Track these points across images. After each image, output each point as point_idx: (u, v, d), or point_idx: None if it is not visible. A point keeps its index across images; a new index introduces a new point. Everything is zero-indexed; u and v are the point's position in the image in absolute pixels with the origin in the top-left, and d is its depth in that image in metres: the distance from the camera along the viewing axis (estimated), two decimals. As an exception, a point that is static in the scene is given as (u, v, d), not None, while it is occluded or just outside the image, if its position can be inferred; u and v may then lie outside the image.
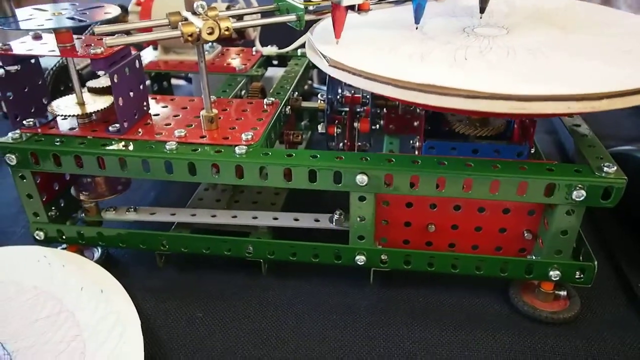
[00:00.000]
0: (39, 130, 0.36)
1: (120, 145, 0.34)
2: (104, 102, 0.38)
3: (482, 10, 0.38)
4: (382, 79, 0.28)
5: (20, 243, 0.41)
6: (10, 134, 0.36)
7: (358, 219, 0.34)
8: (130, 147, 0.34)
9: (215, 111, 0.36)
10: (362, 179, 0.32)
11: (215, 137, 0.35)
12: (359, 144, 0.42)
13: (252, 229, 0.40)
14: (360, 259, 0.35)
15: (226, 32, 0.31)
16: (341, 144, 0.42)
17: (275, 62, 0.55)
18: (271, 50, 0.53)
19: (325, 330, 0.35)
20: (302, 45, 0.54)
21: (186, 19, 0.33)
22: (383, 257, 0.36)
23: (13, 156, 0.35)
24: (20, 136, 0.36)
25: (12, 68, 0.35)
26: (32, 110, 0.38)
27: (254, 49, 0.53)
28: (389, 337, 0.34)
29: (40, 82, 0.38)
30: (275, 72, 0.56)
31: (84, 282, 0.36)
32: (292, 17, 0.33)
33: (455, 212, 0.34)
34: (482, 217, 0.34)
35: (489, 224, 0.34)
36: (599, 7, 0.41)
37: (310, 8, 0.33)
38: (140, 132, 0.36)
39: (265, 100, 0.40)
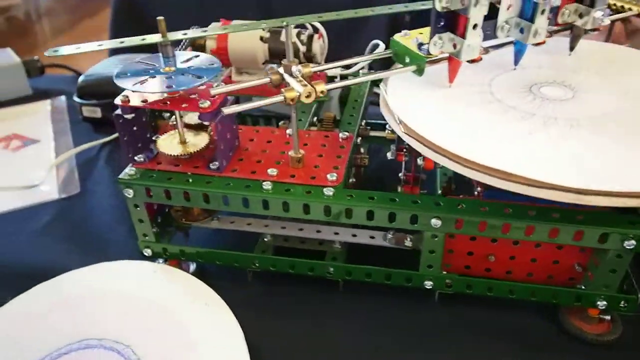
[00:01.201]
0: (149, 166, 0.42)
1: (223, 184, 0.40)
2: (201, 140, 0.43)
3: (571, 48, 0.42)
4: (451, 155, 0.33)
5: (122, 252, 0.48)
6: (126, 170, 0.42)
7: (429, 252, 0.39)
8: (232, 186, 0.40)
9: (302, 152, 0.41)
10: (436, 222, 0.37)
11: (303, 176, 0.40)
12: (417, 174, 0.46)
13: (328, 247, 0.46)
14: (428, 284, 0.41)
15: (321, 94, 0.36)
16: (401, 174, 0.46)
17: (336, 79, 0.59)
18: (335, 71, 0.57)
19: (400, 346, 0.40)
20: (364, 67, 0.58)
21: (283, 78, 0.37)
22: (448, 281, 0.41)
23: (130, 190, 0.41)
24: (135, 172, 0.41)
25: (129, 116, 0.40)
26: (139, 145, 0.43)
27: (318, 69, 0.57)
28: (450, 354, 0.40)
29: (144, 119, 0.44)
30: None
31: (191, 296, 0.42)
32: (412, 68, 0.38)
33: (514, 246, 0.39)
34: (538, 251, 0.39)
35: (544, 257, 0.39)
36: None
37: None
38: (236, 170, 0.41)
39: (340, 134, 0.45)
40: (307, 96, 0.35)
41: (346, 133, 0.45)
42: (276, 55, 0.55)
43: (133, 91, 0.39)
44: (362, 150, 0.53)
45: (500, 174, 0.31)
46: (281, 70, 0.38)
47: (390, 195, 0.38)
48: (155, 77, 0.39)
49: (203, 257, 0.45)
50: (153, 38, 0.39)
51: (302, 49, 0.53)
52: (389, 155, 0.47)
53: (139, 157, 0.42)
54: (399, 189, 0.47)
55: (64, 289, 0.44)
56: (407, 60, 0.39)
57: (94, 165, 0.64)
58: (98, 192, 0.59)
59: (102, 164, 0.64)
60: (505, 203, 0.37)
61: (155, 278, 0.44)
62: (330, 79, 0.59)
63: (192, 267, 0.47)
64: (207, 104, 0.38)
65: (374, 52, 0.57)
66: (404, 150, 0.46)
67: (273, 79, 0.38)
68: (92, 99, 0.69)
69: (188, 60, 0.41)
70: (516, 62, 0.40)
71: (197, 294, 0.43)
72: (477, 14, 0.34)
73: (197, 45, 0.56)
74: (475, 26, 0.35)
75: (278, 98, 0.35)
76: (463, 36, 0.35)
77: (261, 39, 0.54)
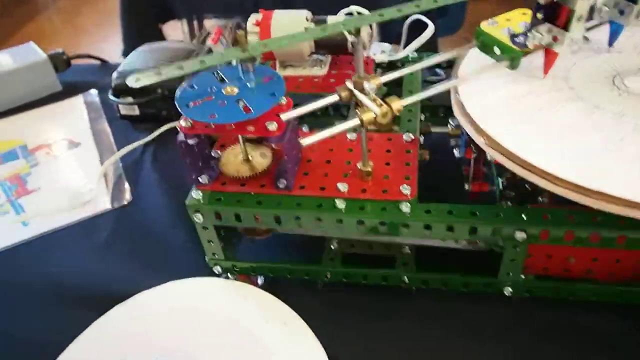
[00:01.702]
0: (214, 187, 0.41)
1: (294, 204, 0.39)
2: (266, 157, 0.42)
3: None
4: (539, 172, 0.32)
5: (187, 264, 0.48)
6: (192, 194, 0.41)
7: (509, 260, 0.38)
8: (303, 206, 0.39)
9: (371, 164, 0.40)
10: (520, 235, 0.36)
11: (375, 190, 0.39)
12: (484, 169, 0.45)
13: (397, 251, 0.45)
14: (508, 290, 0.40)
15: (397, 113, 0.34)
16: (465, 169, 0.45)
17: (384, 65, 0.57)
18: (382, 57, 0.55)
19: (477, 347, 0.41)
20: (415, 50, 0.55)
21: (351, 92, 0.35)
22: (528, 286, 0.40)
23: (200, 214, 0.40)
24: (202, 196, 0.40)
25: (192, 141, 0.39)
26: (201, 164, 0.42)
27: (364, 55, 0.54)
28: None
29: (203, 137, 0.42)
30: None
31: (266, 313, 0.43)
32: (504, 63, 0.36)
33: (597, 249, 0.38)
34: (622, 253, 0.38)
35: (629, 259, 0.38)
36: None
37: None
38: (304, 186, 0.40)
39: (404, 136, 0.43)
40: (384, 116, 0.34)
41: (411, 135, 0.43)
42: (322, 46, 0.53)
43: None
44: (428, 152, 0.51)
45: (595, 196, 0.30)
46: (350, 85, 0.36)
47: (470, 208, 0.37)
48: (211, 98, 0.38)
49: (273, 272, 0.45)
50: (233, 53, 0.37)
51: (350, 38, 0.51)
52: (456, 153, 0.45)
53: (203, 179, 0.41)
54: (466, 187, 0.46)
55: (140, 310, 0.44)
56: (498, 52, 0.37)
57: (140, 168, 0.63)
58: (150, 198, 0.58)
59: (148, 165, 0.63)
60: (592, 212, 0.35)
61: (228, 295, 0.44)
62: (378, 66, 0.56)
63: (261, 279, 0.47)
64: (274, 126, 0.36)
65: (424, 35, 0.54)
66: (472, 145, 0.44)
67: (342, 96, 0.36)
68: (128, 96, 0.68)
69: (262, 80, 0.38)
70: (611, 43, 0.38)
71: (272, 311, 0.43)
72: (584, 6, 0.32)
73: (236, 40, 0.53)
74: (580, 18, 0.32)
75: (354, 122, 0.34)
76: (565, 27, 0.33)
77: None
